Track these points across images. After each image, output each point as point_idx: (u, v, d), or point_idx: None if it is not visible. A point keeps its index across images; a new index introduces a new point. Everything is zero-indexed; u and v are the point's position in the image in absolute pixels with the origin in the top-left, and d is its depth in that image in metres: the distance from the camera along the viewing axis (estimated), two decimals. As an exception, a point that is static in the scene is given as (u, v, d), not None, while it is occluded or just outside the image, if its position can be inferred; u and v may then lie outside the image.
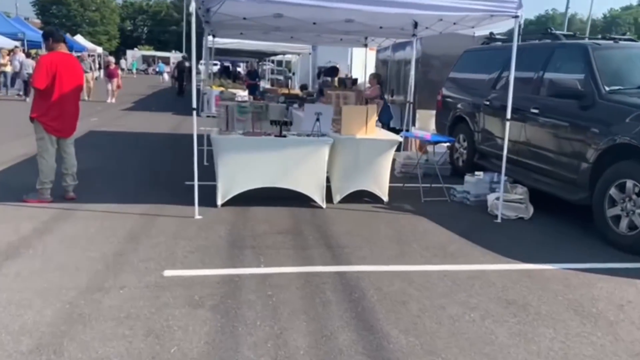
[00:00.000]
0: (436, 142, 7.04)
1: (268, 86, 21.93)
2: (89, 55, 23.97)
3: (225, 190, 6.02)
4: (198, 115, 16.29)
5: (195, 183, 5.71)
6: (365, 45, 11.88)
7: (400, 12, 5.41)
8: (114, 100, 19.51)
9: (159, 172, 7.96)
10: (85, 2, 61.47)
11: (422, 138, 6.76)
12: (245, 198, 6.06)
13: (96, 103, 18.25)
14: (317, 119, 6.10)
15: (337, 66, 11.04)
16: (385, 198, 6.56)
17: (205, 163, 8.57)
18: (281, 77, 29.10)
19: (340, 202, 6.41)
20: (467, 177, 6.82)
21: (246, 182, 6.03)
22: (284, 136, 6.10)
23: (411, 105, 8.94)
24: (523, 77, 6.95)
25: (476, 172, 6.85)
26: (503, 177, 6.09)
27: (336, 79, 10.43)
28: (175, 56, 51.42)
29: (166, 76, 42.31)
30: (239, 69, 36.66)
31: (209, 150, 8.07)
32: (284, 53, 22.53)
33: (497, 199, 6.18)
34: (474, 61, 8.80)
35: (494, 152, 7.49)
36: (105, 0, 65.51)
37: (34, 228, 5.06)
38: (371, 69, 21.67)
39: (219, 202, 6.03)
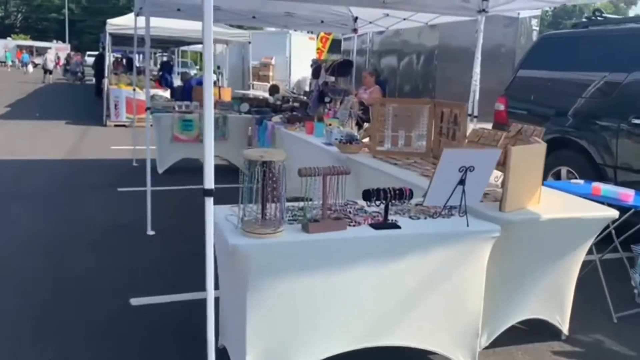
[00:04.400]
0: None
1: (179, 82, 17.68)
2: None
3: (262, 369, 2.40)
4: (104, 124, 11.99)
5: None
6: (355, 31, 8.48)
7: None
8: None
9: (66, 272, 4.05)
10: (-58, -18, 52.14)
11: (613, 201, 3.49)
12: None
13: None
14: (462, 180, 2.63)
15: (352, 61, 7.45)
16: (566, 329, 3.24)
17: (150, 233, 4.78)
18: (192, 72, 24.74)
19: (488, 346, 3.01)
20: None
21: (310, 342, 2.46)
22: (397, 226, 2.57)
23: (475, 120, 5.69)
24: None
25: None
26: None
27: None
28: (58, 47, 44.68)
29: (31, 67, 36.22)
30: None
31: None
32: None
33: None
34: (572, 53, 5.71)
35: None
36: (-32, -19, 56.22)
37: None
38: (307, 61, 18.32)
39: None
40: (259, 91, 15.39)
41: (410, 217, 2.74)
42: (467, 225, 2.63)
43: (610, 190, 3.53)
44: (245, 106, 7.57)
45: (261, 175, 2.30)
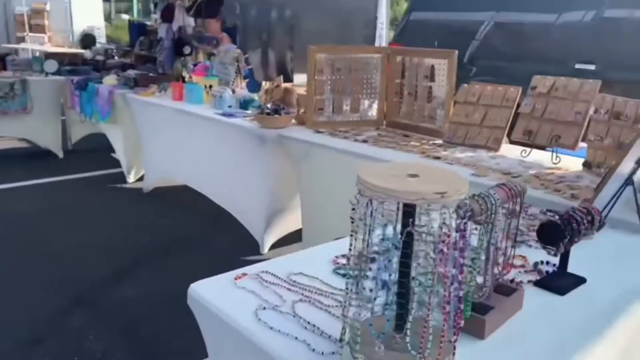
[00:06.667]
0: None
1: None
2: None
3: None
4: None
5: None
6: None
7: None
8: None
9: None
10: None
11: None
12: None
13: None
14: (629, 177, 1.56)
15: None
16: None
17: None
18: None
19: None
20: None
21: None
22: (581, 279, 1.38)
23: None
24: None
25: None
26: None
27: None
28: None
29: None
30: None
31: None
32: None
33: None
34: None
35: None
36: None
37: None
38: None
39: None
40: (36, 45, 12.36)
41: (547, 247, 1.57)
42: (649, 254, 1.58)
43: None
44: (52, 65, 5.39)
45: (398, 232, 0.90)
